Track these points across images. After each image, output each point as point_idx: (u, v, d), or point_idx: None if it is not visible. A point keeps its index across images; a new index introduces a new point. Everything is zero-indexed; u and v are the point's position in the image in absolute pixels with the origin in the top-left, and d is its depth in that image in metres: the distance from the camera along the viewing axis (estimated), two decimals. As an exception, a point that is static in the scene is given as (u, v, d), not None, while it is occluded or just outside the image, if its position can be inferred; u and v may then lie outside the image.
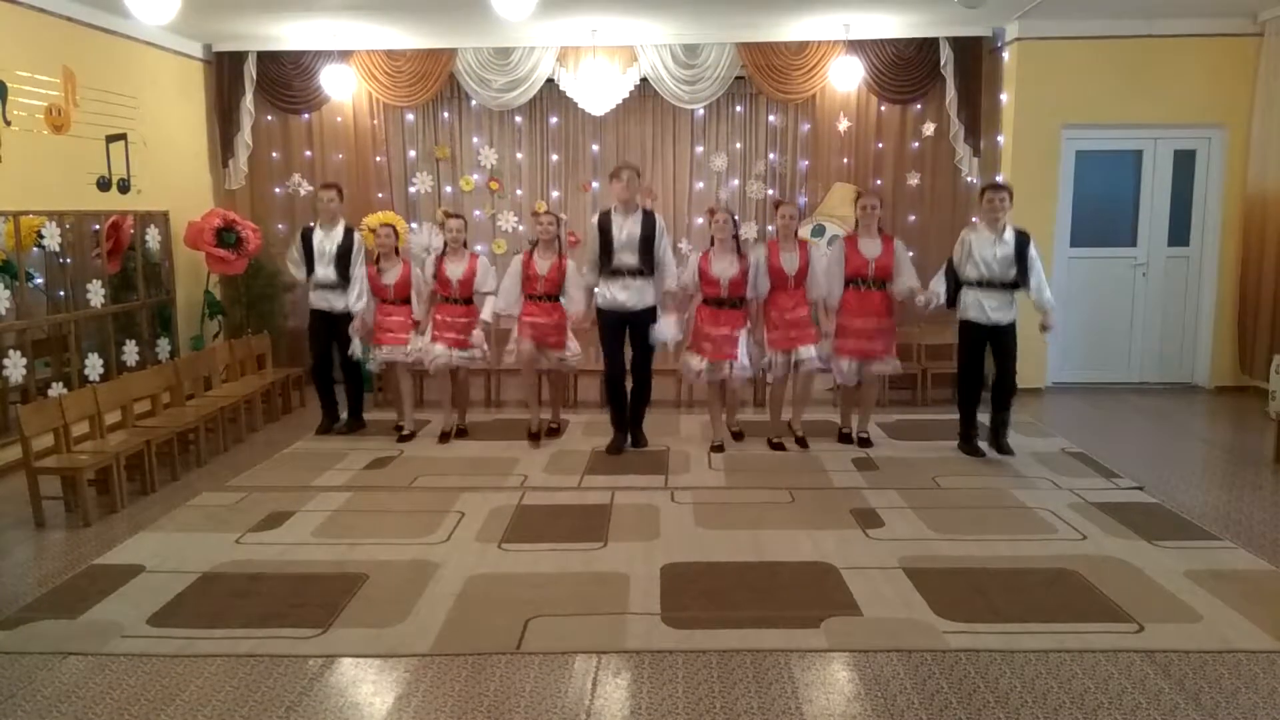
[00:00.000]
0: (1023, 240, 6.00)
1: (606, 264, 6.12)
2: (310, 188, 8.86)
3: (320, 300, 6.86)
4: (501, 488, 5.55)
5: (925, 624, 3.69)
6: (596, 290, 6.30)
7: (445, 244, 6.67)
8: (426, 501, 5.32)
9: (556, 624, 3.72)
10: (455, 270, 6.55)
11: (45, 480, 5.17)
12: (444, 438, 6.73)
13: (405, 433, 6.83)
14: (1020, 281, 5.98)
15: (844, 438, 6.60)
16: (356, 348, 6.86)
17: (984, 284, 5.99)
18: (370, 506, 5.28)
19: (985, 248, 5.97)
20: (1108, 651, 3.44)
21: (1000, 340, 6.04)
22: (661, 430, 6.90)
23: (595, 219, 6.25)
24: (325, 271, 6.78)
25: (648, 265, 6.07)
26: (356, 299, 6.71)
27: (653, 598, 3.94)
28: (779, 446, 6.41)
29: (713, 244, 6.26)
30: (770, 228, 7.72)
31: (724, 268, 6.12)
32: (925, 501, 5.22)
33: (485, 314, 6.57)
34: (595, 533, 4.75)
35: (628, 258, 6.06)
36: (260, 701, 3.16)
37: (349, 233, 6.81)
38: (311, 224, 6.97)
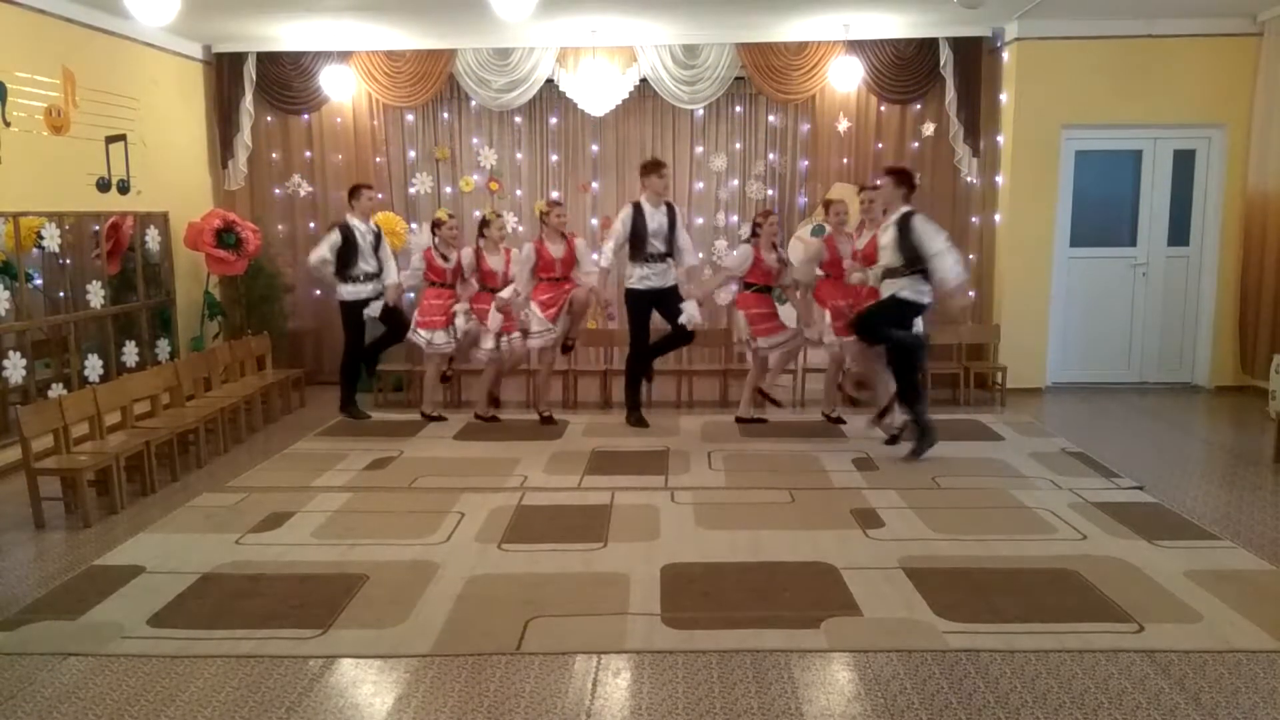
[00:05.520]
0: (903, 222, 5.95)
1: (639, 250, 6.75)
2: (310, 188, 8.88)
3: (363, 291, 7.24)
4: (501, 488, 5.55)
5: (925, 624, 3.69)
6: (628, 275, 6.90)
7: (485, 239, 7.21)
8: (426, 502, 5.32)
9: (556, 624, 3.72)
10: (496, 263, 7.18)
11: (45, 481, 5.17)
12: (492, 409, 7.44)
13: (433, 415, 7.39)
14: (910, 262, 5.90)
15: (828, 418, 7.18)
16: (376, 309, 7.33)
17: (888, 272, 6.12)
18: (370, 507, 5.28)
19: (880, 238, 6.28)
20: (1108, 651, 3.44)
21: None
22: (662, 430, 6.91)
23: (629, 209, 6.82)
24: (369, 264, 7.25)
25: (670, 250, 6.83)
26: (390, 275, 7.37)
27: (653, 598, 3.94)
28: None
29: (755, 237, 6.93)
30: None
31: (773, 260, 6.92)
32: (925, 501, 5.22)
33: (504, 292, 7.06)
34: (595, 533, 4.75)
35: (658, 244, 6.77)
36: (260, 702, 3.16)
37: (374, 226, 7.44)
38: (347, 220, 7.27)
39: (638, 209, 6.75)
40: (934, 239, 5.79)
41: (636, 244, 6.73)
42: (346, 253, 7.14)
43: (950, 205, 8.61)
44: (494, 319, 6.99)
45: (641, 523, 4.90)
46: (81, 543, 4.79)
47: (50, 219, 6.32)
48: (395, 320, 7.39)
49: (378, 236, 7.34)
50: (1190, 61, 7.96)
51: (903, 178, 6.06)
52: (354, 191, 7.33)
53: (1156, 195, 8.36)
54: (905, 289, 5.89)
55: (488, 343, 7.09)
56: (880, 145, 8.66)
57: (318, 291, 8.97)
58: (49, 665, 3.44)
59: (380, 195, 8.76)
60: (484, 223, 7.25)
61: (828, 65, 8.35)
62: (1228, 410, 7.69)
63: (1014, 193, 8.27)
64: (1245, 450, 6.40)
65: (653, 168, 6.82)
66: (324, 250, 7.18)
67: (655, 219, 6.74)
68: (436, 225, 7.35)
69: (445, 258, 7.26)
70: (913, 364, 6.06)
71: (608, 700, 3.16)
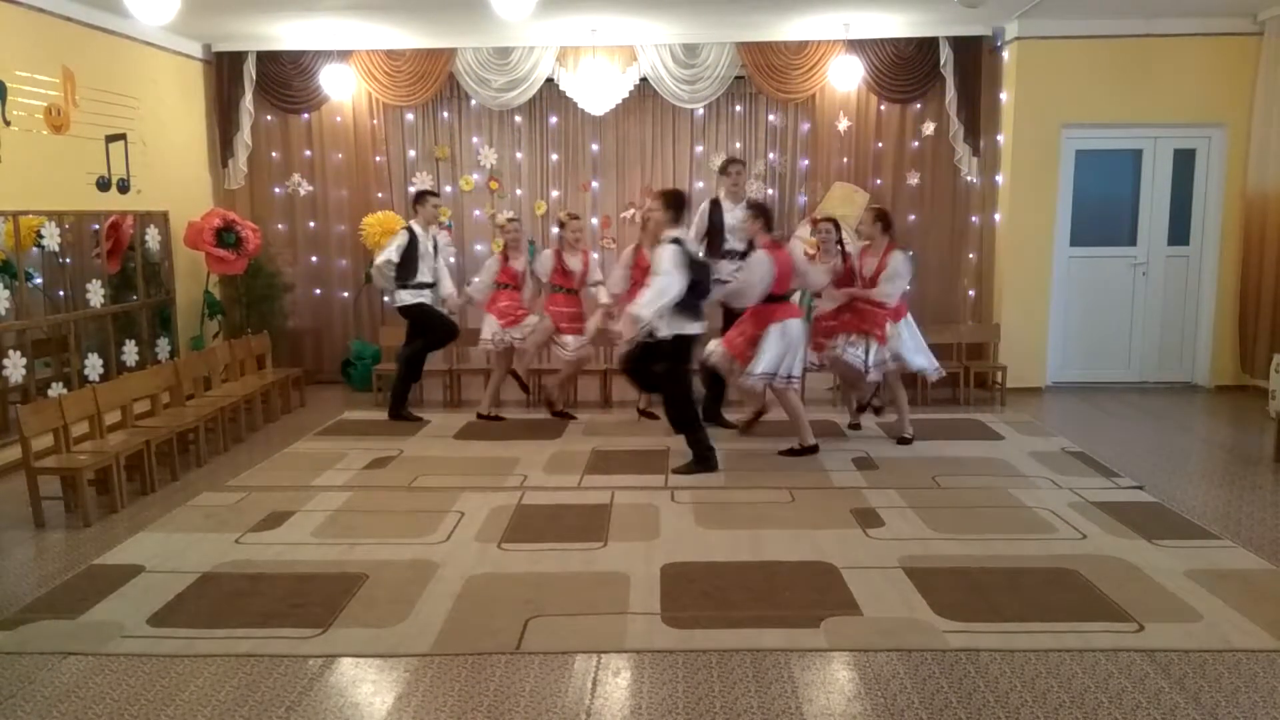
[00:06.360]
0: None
1: (715, 246, 6.69)
2: (310, 187, 8.88)
3: (422, 295, 7.17)
4: (501, 488, 5.55)
5: (925, 624, 3.69)
6: None
7: (562, 240, 7.22)
8: (426, 501, 5.32)
9: (556, 624, 3.72)
10: (575, 263, 7.17)
11: (45, 480, 5.17)
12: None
13: (490, 414, 7.35)
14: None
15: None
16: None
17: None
18: (370, 506, 5.28)
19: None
20: (1108, 651, 3.45)
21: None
22: (662, 430, 6.90)
23: (706, 204, 6.86)
24: (427, 274, 7.15)
25: (749, 250, 6.51)
26: (446, 287, 7.34)
27: (653, 598, 3.94)
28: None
29: (818, 249, 6.83)
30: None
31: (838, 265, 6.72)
32: (925, 501, 5.22)
33: (604, 297, 7.05)
34: (595, 533, 4.75)
35: (735, 242, 6.64)
36: (260, 702, 3.16)
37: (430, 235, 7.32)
38: (411, 225, 7.15)
39: (715, 204, 6.75)
40: (660, 268, 5.47)
41: (713, 240, 6.69)
42: (410, 257, 7.01)
43: (950, 204, 8.62)
44: (592, 325, 7.03)
45: (641, 522, 4.90)
46: (81, 542, 4.79)
47: (50, 218, 6.32)
48: (443, 326, 7.30)
49: (436, 247, 7.25)
50: (1190, 61, 7.95)
51: (670, 199, 5.73)
52: (419, 198, 7.23)
53: (1156, 195, 8.36)
54: (670, 323, 5.60)
55: (571, 341, 7.11)
56: (880, 144, 8.66)
57: (318, 290, 9.00)
58: (49, 665, 3.44)
59: (380, 194, 8.82)
60: (561, 224, 7.29)
61: (828, 64, 8.35)
62: (1228, 410, 7.69)
63: (1014, 192, 8.27)
64: (1245, 450, 6.40)
65: (723, 166, 6.89)
66: (391, 252, 7.02)
67: (735, 215, 6.63)
68: (502, 229, 7.39)
69: (510, 258, 7.29)
70: (683, 393, 5.83)
71: (608, 700, 3.16)
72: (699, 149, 8.94)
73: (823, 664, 3.41)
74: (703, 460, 5.83)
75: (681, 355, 5.74)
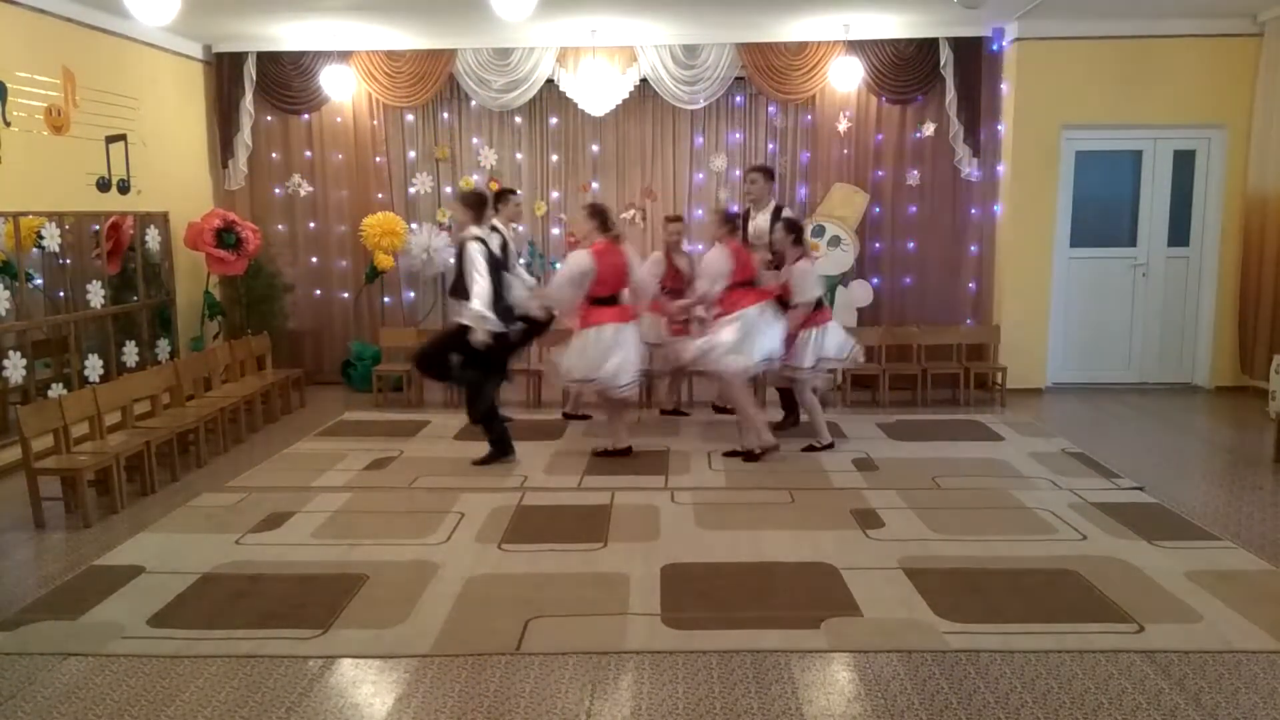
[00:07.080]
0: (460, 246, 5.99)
1: None
2: (310, 188, 8.87)
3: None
4: (501, 488, 5.56)
5: (925, 624, 3.69)
6: None
7: (666, 243, 7.22)
8: (426, 502, 5.33)
9: (556, 624, 3.72)
10: (684, 264, 7.11)
11: (45, 481, 5.17)
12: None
13: (578, 413, 7.38)
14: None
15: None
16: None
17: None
18: (370, 507, 5.28)
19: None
20: (1108, 652, 3.45)
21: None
22: (662, 430, 6.90)
23: (740, 214, 6.96)
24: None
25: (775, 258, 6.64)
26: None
27: (653, 598, 3.94)
28: None
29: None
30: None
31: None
32: (925, 502, 5.22)
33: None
34: (595, 533, 4.75)
35: (760, 250, 6.64)
36: (260, 702, 3.16)
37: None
38: (495, 226, 6.72)
39: (745, 214, 6.90)
40: (474, 273, 5.70)
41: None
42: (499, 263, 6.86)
43: (951, 205, 8.61)
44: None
45: (641, 523, 4.90)
46: (81, 543, 4.79)
47: (50, 219, 6.32)
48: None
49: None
50: (1190, 61, 7.95)
51: (468, 199, 6.04)
52: (501, 195, 7.04)
53: (1156, 195, 8.36)
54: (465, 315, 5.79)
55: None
56: (880, 145, 8.65)
57: (318, 291, 8.99)
58: (49, 665, 3.44)
59: (380, 195, 8.81)
60: (667, 221, 7.37)
61: (828, 65, 8.34)
62: (1228, 410, 7.69)
63: (1014, 192, 8.27)
64: (1245, 450, 6.40)
65: (745, 175, 7.07)
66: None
67: (756, 222, 6.78)
68: (664, 228, 7.36)
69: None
70: (480, 389, 6.00)
71: (608, 700, 3.16)
72: (699, 150, 8.91)
73: (823, 665, 3.41)
74: (500, 450, 6.11)
75: (493, 352, 5.87)
